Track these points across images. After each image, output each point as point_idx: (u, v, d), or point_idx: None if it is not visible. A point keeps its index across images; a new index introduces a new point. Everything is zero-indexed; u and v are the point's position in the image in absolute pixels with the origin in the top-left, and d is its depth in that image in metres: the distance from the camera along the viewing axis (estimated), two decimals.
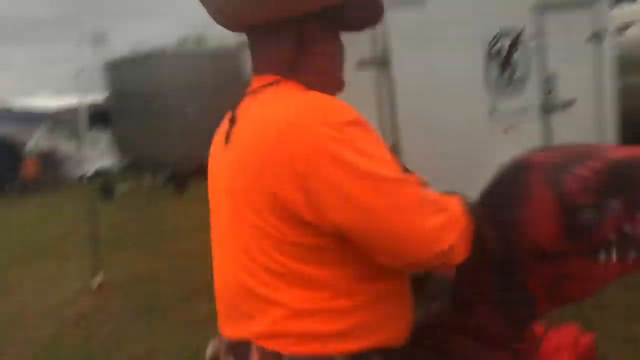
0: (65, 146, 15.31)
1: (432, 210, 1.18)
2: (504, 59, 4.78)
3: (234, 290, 1.32)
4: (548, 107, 5.09)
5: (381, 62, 4.10)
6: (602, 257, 1.27)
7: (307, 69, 1.35)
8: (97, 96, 15.04)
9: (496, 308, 1.37)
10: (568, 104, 5.21)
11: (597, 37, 5.40)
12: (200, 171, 7.29)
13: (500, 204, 1.33)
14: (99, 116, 15.81)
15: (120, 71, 12.79)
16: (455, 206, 1.24)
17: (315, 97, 1.23)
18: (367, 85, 4.19)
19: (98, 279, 5.38)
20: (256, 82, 1.37)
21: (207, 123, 5.93)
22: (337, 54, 1.42)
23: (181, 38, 13.47)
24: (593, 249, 1.25)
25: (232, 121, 1.35)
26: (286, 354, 1.25)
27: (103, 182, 12.02)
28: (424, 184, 1.30)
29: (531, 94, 4.99)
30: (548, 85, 5.11)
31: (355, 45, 3.80)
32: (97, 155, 16.41)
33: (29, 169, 14.38)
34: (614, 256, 1.27)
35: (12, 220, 10.20)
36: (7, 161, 14.27)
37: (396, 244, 1.16)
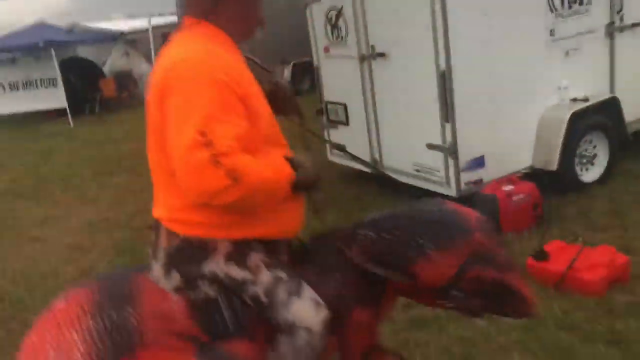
0: (139, 67, 15.89)
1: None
2: None
3: (154, 181, 1.76)
4: (615, 29, 4.91)
5: None
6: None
7: (222, 15, 1.69)
8: (168, 18, 15.41)
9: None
10: (637, 25, 5.01)
11: None
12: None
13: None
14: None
15: None
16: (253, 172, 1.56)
17: (188, 52, 1.61)
18: (423, 7, 4.19)
19: None
20: (183, 21, 1.74)
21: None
22: (251, 2, 1.74)
23: None
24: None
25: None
26: (181, 235, 1.67)
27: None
28: None
29: (596, 15, 4.82)
30: (616, 5, 4.91)
31: None
32: None
33: (107, 88, 15.13)
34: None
35: (94, 138, 10.94)
36: (87, 81, 15.06)
37: None
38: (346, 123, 5.49)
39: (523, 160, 4.67)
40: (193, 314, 1.67)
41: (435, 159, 4.50)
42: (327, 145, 5.79)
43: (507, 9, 4.33)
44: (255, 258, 1.69)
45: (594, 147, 4.87)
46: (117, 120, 12.79)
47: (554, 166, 4.56)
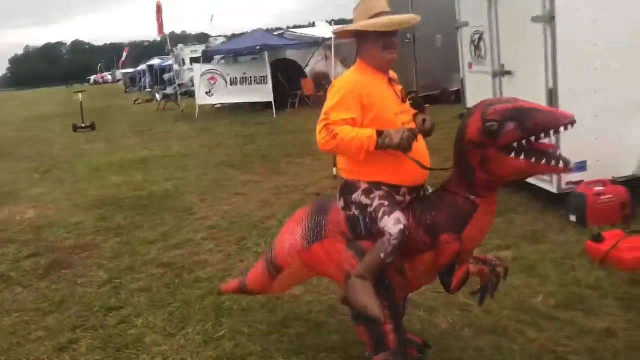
0: (335, 69, 17.99)
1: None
2: None
3: None
4: None
5: (547, 19, 5.07)
6: (512, 154, 2.59)
7: (363, 57, 2.92)
8: None
9: (459, 174, 2.78)
10: None
11: None
12: (440, 98, 9.55)
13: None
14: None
15: None
16: (347, 131, 2.67)
17: (348, 74, 2.91)
18: (538, 36, 5.22)
19: (335, 171, 7.52)
20: None
21: (452, 54, 7.31)
22: (376, 53, 2.87)
23: None
24: (503, 147, 2.58)
25: None
26: (344, 177, 2.93)
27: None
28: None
29: None
30: None
31: (529, 3, 4.96)
32: None
33: (307, 87, 17.49)
34: (522, 157, 2.57)
35: (290, 127, 13.19)
36: (292, 80, 17.54)
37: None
38: None
39: (627, 168, 5.39)
40: (347, 222, 2.91)
41: None
42: None
43: (618, 39, 5.13)
44: (376, 194, 2.81)
45: None
46: (312, 114, 14.87)
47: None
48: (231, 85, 17.70)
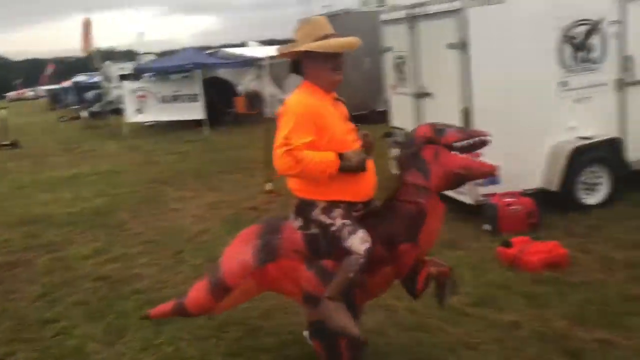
0: (268, 89, 18.28)
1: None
2: (580, 42, 5.89)
3: None
4: (622, 84, 6.06)
5: (462, 46, 5.58)
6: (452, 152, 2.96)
7: (310, 78, 2.99)
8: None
9: (413, 175, 2.99)
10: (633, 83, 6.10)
11: None
12: (369, 118, 10.02)
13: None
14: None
15: None
16: (308, 155, 2.75)
17: (297, 96, 2.95)
18: (454, 61, 5.72)
19: (268, 186, 7.77)
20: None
21: (379, 76, 7.67)
22: (322, 73, 2.95)
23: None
24: (446, 145, 2.96)
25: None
26: (299, 196, 3.00)
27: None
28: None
29: (607, 72, 6.02)
30: (626, 64, 6.05)
31: (446, 32, 5.42)
32: None
33: (239, 105, 17.65)
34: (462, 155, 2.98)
35: (223, 144, 13.31)
36: (224, 98, 17.66)
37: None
38: None
39: (534, 181, 5.95)
40: (306, 241, 2.97)
41: None
42: (391, 162, 7.39)
43: (523, 64, 5.70)
44: (336, 212, 2.88)
45: (598, 177, 6.03)
46: (244, 132, 15.12)
47: (555, 188, 5.82)
48: (162, 102, 17.56)
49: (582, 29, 5.90)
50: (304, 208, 2.97)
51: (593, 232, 5.31)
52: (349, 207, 2.94)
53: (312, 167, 2.77)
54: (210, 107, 16.75)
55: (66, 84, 40.04)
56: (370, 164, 2.99)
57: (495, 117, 5.62)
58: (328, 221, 2.89)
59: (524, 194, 5.73)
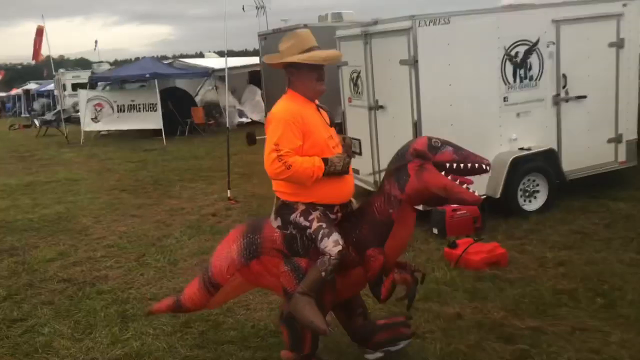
0: (225, 99, 18.47)
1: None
2: (520, 61, 6.41)
3: None
4: (560, 99, 6.61)
5: (412, 62, 6.00)
6: (442, 172, 3.05)
7: (296, 87, 3.17)
8: (255, 60, 17.98)
9: (392, 182, 3.15)
10: (579, 99, 6.67)
11: (617, 44, 6.73)
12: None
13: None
14: (254, 77, 18.85)
15: (271, 41, 15.46)
16: (298, 161, 2.96)
17: (283, 103, 3.19)
18: (405, 76, 6.14)
19: (228, 194, 8.01)
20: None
21: (336, 88, 8.01)
22: (308, 83, 3.16)
23: (322, 15, 15.64)
24: (437, 163, 3.02)
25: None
26: (280, 199, 3.19)
27: (248, 131, 14.91)
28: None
29: (544, 89, 6.56)
30: (562, 82, 6.61)
31: (397, 49, 5.81)
32: (251, 108, 19.53)
33: (197, 115, 17.79)
34: (449, 177, 3.05)
35: (181, 153, 13.44)
36: (181, 108, 17.75)
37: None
38: (360, 154, 7.44)
39: (480, 189, 6.39)
40: (284, 241, 3.16)
41: None
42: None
43: (468, 80, 6.17)
44: (314, 215, 3.07)
45: (537, 185, 6.55)
46: (202, 142, 15.30)
47: (498, 195, 6.28)
48: (118, 112, 17.57)
49: (522, 48, 6.42)
50: (284, 210, 3.17)
51: (530, 235, 5.78)
52: (326, 209, 3.15)
53: (301, 172, 2.99)
54: (167, 117, 16.85)
55: (16, 92, 39.17)
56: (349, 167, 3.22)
57: (442, 128, 5.99)
58: (305, 223, 3.08)
59: None
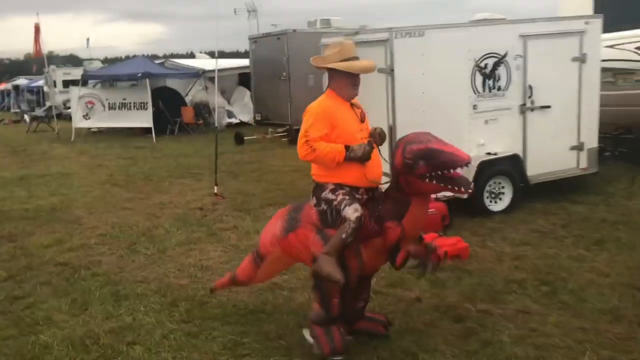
0: (215, 100, 18.88)
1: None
2: (489, 72, 6.93)
3: None
4: (525, 109, 7.14)
5: (388, 71, 6.50)
6: (426, 180, 3.51)
7: (335, 89, 3.74)
8: (245, 62, 18.43)
9: (394, 190, 3.70)
10: (543, 108, 7.20)
11: (580, 58, 7.27)
12: None
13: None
14: (243, 79, 19.31)
15: (261, 44, 15.95)
16: (323, 147, 3.56)
17: (320, 100, 3.77)
18: (382, 83, 6.63)
19: (215, 189, 8.46)
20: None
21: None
22: (344, 87, 3.75)
23: (310, 20, 16.12)
24: (419, 176, 3.51)
25: None
26: (315, 180, 3.78)
27: (236, 132, 15.37)
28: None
29: (511, 98, 7.08)
30: (528, 93, 7.14)
31: (376, 58, 6.30)
32: (240, 109, 19.96)
33: (186, 115, 18.19)
34: (434, 182, 3.51)
35: (171, 151, 13.86)
36: (172, 107, 18.14)
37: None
38: None
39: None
40: (318, 216, 3.69)
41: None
42: None
43: (440, 88, 6.67)
44: (340, 191, 3.62)
45: (502, 187, 7.06)
46: (191, 141, 15.72)
47: (464, 196, 6.76)
48: (110, 109, 17.91)
49: (491, 61, 6.94)
50: (318, 189, 3.73)
51: (493, 232, 6.28)
52: (352, 189, 3.66)
53: (323, 155, 3.56)
54: (158, 116, 17.24)
55: (4, 86, 39.27)
56: (374, 155, 3.67)
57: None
58: (332, 197, 3.62)
59: (438, 199, 6.67)
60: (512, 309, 4.34)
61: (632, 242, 5.70)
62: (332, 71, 3.74)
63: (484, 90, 6.94)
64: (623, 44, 8.87)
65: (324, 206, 3.68)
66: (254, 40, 16.32)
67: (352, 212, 3.50)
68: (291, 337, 4.02)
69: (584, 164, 7.65)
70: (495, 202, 7.05)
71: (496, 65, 6.98)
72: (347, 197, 3.59)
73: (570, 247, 5.68)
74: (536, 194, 7.30)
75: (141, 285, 5.08)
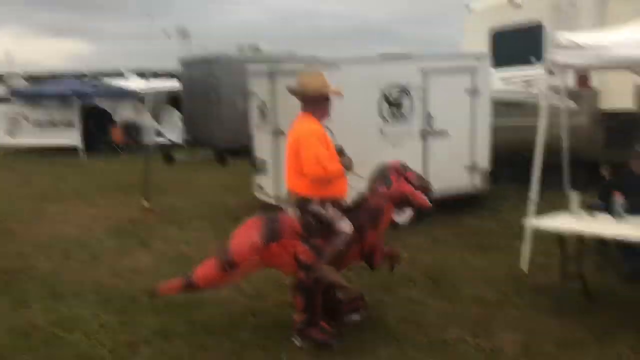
0: (145, 120, 19.18)
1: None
2: (394, 101, 7.92)
3: (288, 174, 4.45)
4: (426, 134, 8.17)
5: None
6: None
7: (313, 113, 4.49)
8: (175, 83, 18.90)
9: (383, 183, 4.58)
10: (441, 133, 8.25)
11: (473, 91, 8.41)
12: (240, 151, 11.86)
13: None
14: (173, 99, 19.73)
15: (191, 67, 16.51)
16: (333, 167, 4.29)
17: (308, 123, 4.47)
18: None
19: (145, 204, 8.98)
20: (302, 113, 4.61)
21: (249, 115, 9.18)
22: (318, 111, 4.52)
23: (240, 45, 16.91)
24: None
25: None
26: (299, 194, 4.34)
27: (166, 151, 15.81)
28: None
29: (413, 125, 8.09)
30: (428, 120, 8.18)
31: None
32: (169, 129, 20.30)
33: (116, 134, 18.39)
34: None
35: (100, 169, 14.14)
36: (102, 127, 18.30)
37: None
38: (266, 173, 8.66)
39: None
40: (302, 226, 4.22)
41: None
42: (254, 185, 8.95)
43: (354, 115, 7.56)
44: (328, 205, 4.22)
45: None
46: (120, 160, 16.00)
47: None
48: (36, 127, 17.87)
49: (396, 90, 7.94)
50: (302, 202, 4.27)
51: (394, 240, 6.95)
52: (335, 201, 4.35)
53: (331, 172, 4.25)
54: (87, 135, 17.38)
55: None
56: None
57: None
58: (322, 212, 4.23)
59: None
60: (400, 297, 5.20)
61: (510, 247, 6.73)
62: (308, 97, 4.46)
63: (390, 117, 7.91)
64: (513, 79, 10.17)
65: (309, 218, 4.23)
66: (184, 62, 16.85)
67: (346, 226, 4.20)
68: (215, 324, 4.69)
69: (476, 182, 8.76)
70: (399, 214, 7.97)
71: (401, 95, 7.99)
72: (338, 213, 4.25)
73: (458, 252, 6.66)
74: (437, 209, 8.27)
75: (77, 286, 5.58)
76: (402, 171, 4.61)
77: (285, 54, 15.40)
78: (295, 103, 7.65)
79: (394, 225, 7.76)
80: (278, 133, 8.18)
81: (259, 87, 8.61)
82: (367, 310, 4.82)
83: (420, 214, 5.44)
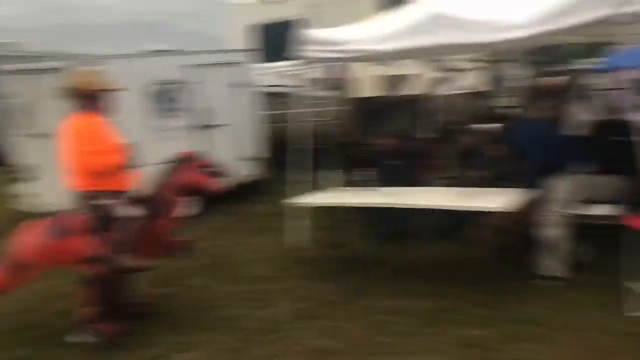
0: None
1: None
2: (160, 97, 7.97)
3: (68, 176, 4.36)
4: (199, 127, 8.38)
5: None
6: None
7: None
8: None
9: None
10: (215, 126, 8.53)
11: (239, 85, 8.81)
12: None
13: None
14: None
15: None
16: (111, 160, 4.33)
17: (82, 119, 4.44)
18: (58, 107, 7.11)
19: None
20: None
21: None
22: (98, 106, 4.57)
23: None
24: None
25: None
26: (82, 190, 4.32)
27: None
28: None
29: (182, 119, 8.23)
30: (200, 113, 8.39)
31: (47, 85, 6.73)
32: None
33: None
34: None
35: None
36: None
37: None
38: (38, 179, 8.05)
39: None
40: (90, 220, 4.19)
41: None
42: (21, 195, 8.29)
43: (130, 111, 7.41)
44: (111, 197, 4.23)
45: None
46: None
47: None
48: None
49: (163, 86, 7.99)
50: (86, 197, 4.25)
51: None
52: (119, 194, 4.36)
53: (111, 167, 4.29)
54: None
55: None
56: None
57: None
58: (105, 203, 4.23)
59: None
60: (185, 286, 5.43)
61: (281, 229, 7.17)
62: (89, 93, 4.50)
63: (160, 112, 7.94)
64: (272, 72, 10.78)
65: (96, 212, 4.23)
66: None
67: (133, 211, 4.31)
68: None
69: (257, 171, 9.24)
70: (192, 204, 8.08)
71: (169, 90, 8.05)
72: (123, 202, 4.30)
73: (240, 237, 7.06)
74: (226, 197, 8.56)
75: None
76: (192, 160, 4.79)
77: (49, 50, 14.28)
78: (65, 102, 7.39)
79: (189, 216, 7.89)
80: (48, 135, 7.68)
81: (18, 87, 8.00)
82: (153, 317, 4.88)
83: (213, 199, 5.60)
